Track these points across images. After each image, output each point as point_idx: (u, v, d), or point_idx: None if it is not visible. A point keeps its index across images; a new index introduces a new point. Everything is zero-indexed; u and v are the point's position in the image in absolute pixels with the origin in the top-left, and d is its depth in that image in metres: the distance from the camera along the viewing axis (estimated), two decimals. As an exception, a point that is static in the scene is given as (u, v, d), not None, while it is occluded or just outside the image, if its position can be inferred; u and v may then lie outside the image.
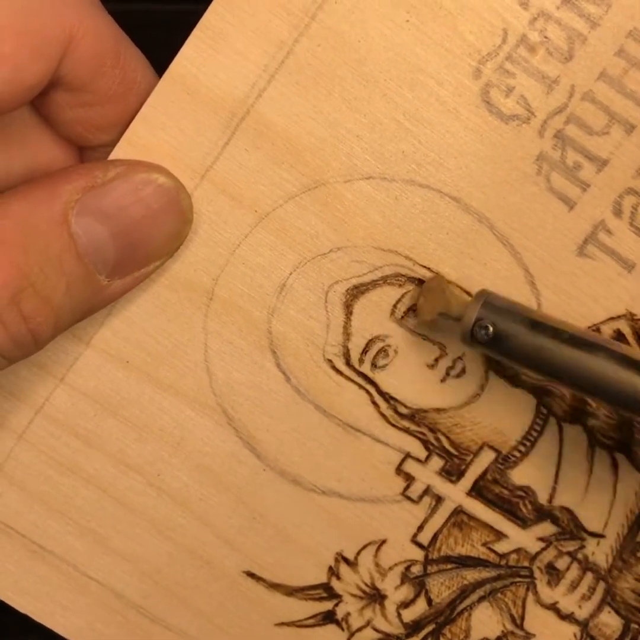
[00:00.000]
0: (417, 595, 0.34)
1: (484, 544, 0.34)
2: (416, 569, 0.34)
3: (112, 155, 0.30)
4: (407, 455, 0.33)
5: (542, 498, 0.33)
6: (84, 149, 0.31)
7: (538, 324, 0.29)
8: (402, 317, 0.32)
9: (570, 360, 0.28)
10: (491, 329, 0.29)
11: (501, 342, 0.29)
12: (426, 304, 0.31)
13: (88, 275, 0.28)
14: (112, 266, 0.29)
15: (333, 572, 0.34)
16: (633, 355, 0.28)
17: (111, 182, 0.28)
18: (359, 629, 0.34)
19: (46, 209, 0.27)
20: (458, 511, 0.34)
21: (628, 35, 0.30)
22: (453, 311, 0.30)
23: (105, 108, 0.29)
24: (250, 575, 0.34)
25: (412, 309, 0.32)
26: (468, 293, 0.31)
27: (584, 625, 0.34)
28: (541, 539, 0.34)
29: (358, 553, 0.34)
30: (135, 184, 0.29)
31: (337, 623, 0.34)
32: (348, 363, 0.32)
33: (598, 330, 0.32)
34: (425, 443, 0.33)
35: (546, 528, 0.34)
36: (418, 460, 0.33)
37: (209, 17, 0.29)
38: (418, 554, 0.34)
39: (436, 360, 0.32)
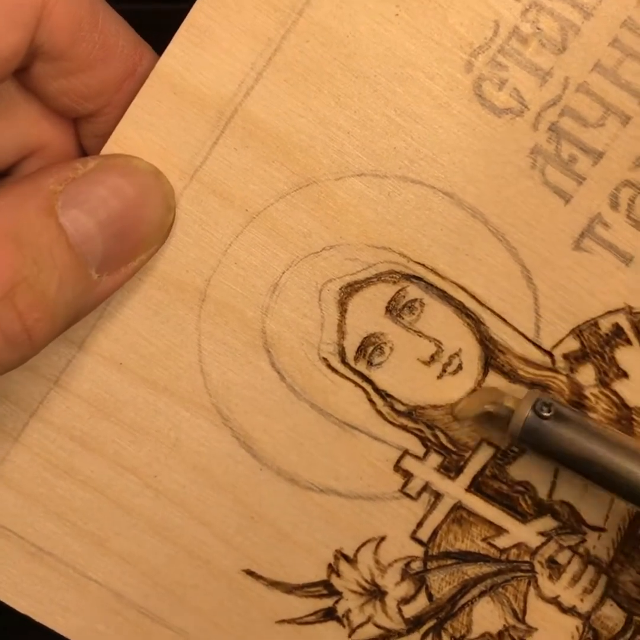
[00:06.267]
0: (417, 591, 0.34)
1: (484, 539, 0.34)
2: (416, 565, 0.34)
3: (100, 157, 0.30)
4: (405, 452, 0.33)
5: (542, 493, 0.33)
6: (79, 121, 0.31)
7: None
8: (398, 314, 0.32)
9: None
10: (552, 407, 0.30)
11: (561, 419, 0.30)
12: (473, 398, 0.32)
13: (80, 268, 0.28)
14: (101, 259, 0.28)
15: (333, 569, 0.34)
16: None
17: (91, 173, 0.28)
18: (360, 625, 0.34)
19: (33, 201, 0.27)
20: (457, 507, 0.33)
21: (622, 25, 0.29)
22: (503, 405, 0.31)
23: (87, 75, 0.29)
24: (250, 573, 0.34)
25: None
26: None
27: (586, 618, 0.34)
28: (542, 534, 0.33)
29: (357, 550, 0.34)
30: (115, 173, 0.29)
31: (338, 620, 0.34)
32: (343, 361, 0.32)
33: (596, 324, 0.32)
34: (423, 440, 0.33)
35: (546, 522, 0.33)
36: (416, 457, 0.33)
37: (194, 15, 0.29)
38: (418, 550, 0.34)
39: (432, 357, 0.32)
